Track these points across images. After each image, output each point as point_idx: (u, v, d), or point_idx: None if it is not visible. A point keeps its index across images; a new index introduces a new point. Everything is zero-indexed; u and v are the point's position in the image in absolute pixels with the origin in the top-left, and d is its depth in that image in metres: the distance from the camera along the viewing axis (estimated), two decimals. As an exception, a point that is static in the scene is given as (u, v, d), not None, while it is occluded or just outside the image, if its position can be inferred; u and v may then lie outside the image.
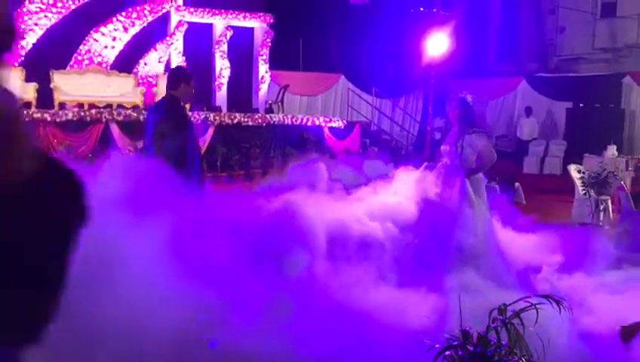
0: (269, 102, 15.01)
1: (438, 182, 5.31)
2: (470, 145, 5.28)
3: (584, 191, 8.06)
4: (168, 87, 4.81)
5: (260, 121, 12.83)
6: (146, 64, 13.91)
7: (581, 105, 15.74)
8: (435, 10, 11.99)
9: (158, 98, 4.98)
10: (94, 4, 13.26)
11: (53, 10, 12.68)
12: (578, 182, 8.45)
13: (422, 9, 12.62)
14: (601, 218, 8.06)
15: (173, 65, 14.16)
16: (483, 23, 19.56)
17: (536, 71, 19.82)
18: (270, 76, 15.78)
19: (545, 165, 15.45)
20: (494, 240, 5.24)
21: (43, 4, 12.52)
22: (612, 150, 12.06)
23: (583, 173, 8.24)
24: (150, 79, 13.63)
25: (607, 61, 20.02)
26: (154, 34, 14.07)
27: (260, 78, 15.62)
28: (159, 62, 14.08)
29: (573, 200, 8.91)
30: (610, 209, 8.34)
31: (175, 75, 4.90)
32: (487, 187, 9.31)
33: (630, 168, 11.16)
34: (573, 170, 8.72)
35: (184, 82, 4.80)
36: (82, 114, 10.83)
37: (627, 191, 8.09)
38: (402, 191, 5.34)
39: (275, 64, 15.87)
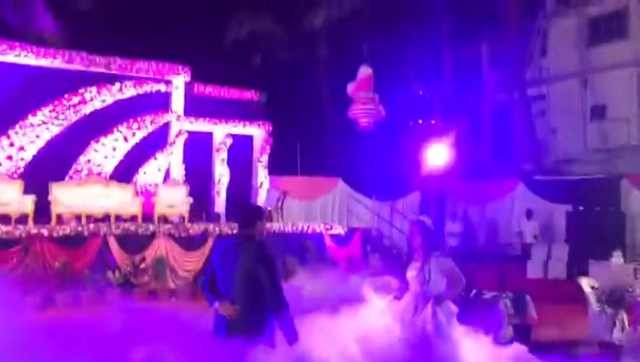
0: (269, 208, 14.92)
1: (409, 312, 5.17)
2: (438, 269, 5.14)
3: (600, 308, 7.79)
4: (242, 225, 4.60)
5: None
6: (145, 173, 13.91)
7: (581, 208, 15.69)
8: (433, 122, 12.24)
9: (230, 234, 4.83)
10: (95, 116, 13.45)
11: (55, 122, 12.82)
12: (592, 297, 8.20)
13: (420, 121, 12.89)
14: (619, 335, 7.74)
15: (173, 174, 14.24)
16: (477, 126, 19.97)
17: (531, 172, 20.02)
18: (269, 182, 15.80)
19: (549, 269, 15.18)
20: None
21: (46, 116, 12.67)
22: (618, 257, 11.83)
23: (596, 288, 8.00)
24: (149, 188, 13.57)
25: (601, 162, 20.28)
26: (154, 143, 14.19)
27: (259, 184, 15.63)
28: (159, 170, 14.10)
29: (588, 315, 8.63)
30: (627, 324, 8.04)
31: (248, 214, 4.68)
32: (497, 302, 9.10)
33: (638, 277, 10.91)
34: (585, 284, 8.49)
35: (259, 220, 4.61)
36: (80, 228, 10.64)
37: (643, 306, 7.85)
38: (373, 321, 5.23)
39: (272, 169, 15.95)
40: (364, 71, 12.96)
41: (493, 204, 18.26)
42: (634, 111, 20.08)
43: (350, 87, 12.91)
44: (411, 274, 5.25)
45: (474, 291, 9.51)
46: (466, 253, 14.61)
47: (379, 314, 5.37)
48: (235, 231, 4.87)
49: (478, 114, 20.15)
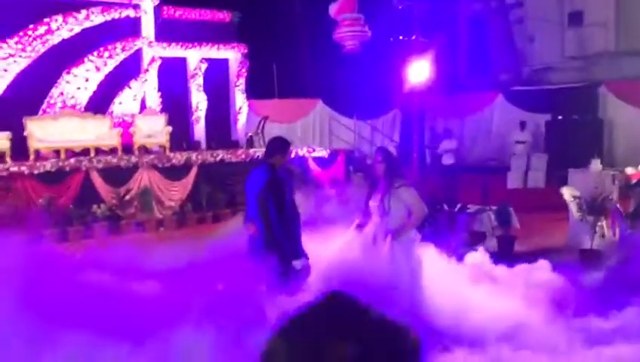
0: (249, 134, 14.81)
1: (368, 241, 5.16)
2: (398, 200, 5.06)
3: (580, 217, 8.01)
4: (265, 154, 5.33)
5: (242, 156, 12.63)
6: (120, 103, 13.60)
7: (559, 117, 15.84)
8: (414, 37, 11.99)
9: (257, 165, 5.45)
10: (64, 45, 12.97)
11: (23, 54, 12.36)
12: (573, 207, 8.41)
13: (401, 37, 12.62)
14: (599, 242, 8.01)
15: (149, 102, 13.95)
16: (455, 39, 19.69)
17: (509, 82, 19.98)
18: (248, 106, 15.59)
19: (528, 179, 15.48)
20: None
21: (12, 48, 12.19)
22: (596, 164, 12.11)
23: (578, 197, 8.19)
24: (126, 119, 13.31)
25: (578, 69, 20.26)
26: (127, 72, 13.79)
27: (237, 109, 15.43)
28: (134, 100, 13.79)
29: (568, 223, 8.88)
30: (606, 230, 8.31)
31: (272, 147, 5.32)
32: (482, 215, 9.32)
33: (616, 183, 11.19)
34: (566, 193, 8.67)
35: (280, 153, 5.24)
36: (61, 164, 10.48)
37: (622, 213, 8.10)
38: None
39: (250, 93, 15.70)
40: None
41: (473, 117, 18.34)
42: (611, 17, 19.90)
43: (332, 9, 12.48)
44: (373, 203, 5.17)
45: (459, 205, 9.74)
46: (461, 169, 14.80)
47: (346, 241, 5.39)
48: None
49: (456, 26, 19.81)
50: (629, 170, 11.26)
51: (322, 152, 14.00)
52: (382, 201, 5.06)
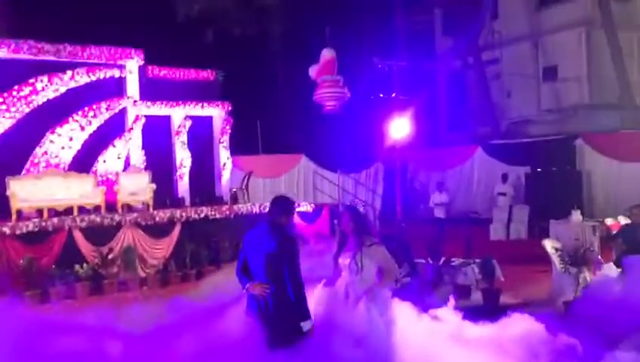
0: (233, 189, 14.86)
1: (339, 298, 5.15)
2: (370, 258, 5.07)
3: (563, 269, 8.09)
4: (273, 213, 5.09)
5: (227, 212, 12.64)
6: (104, 162, 13.63)
7: (538, 169, 16.14)
8: (394, 95, 12.28)
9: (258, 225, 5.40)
10: (49, 105, 13.08)
11: (7, 115, 12.43)
12: (556, 259, 8.50)
13: (381, 95, 12.93)
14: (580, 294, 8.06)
15: (133, 160, 14.00)
16: (434, 95, 20.18)
17: (487, 135, 20.44)
18: (232, 162, 15.70)
19: (511, 231, 15.64)
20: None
21: (-4, 109, 12.27)
22: (577, 215, 12.26)
23: (560, 249, 8.29)
24: (110, 177, 13.32)
25: (555, 122, 20.84)
26: (111, 130, 13.88)
27: (222, 165, 15.51)
28: (118, 158, 13.82)
29: (551, 275, 8.95)
30: (589, 281, 8.38)
31: (278, 207, 5.10)
32: (466, 268, 9.35)
33: (597, 233, 11.34)
34: (548, 246, 8.77)
35: (285, 213, 5.07)
36: (43, 223, 10.41)
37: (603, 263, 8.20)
38: None
39: (234, 149, 15.84)
40: (327, 54, 12.80)
41: (454, 170, 18.63)
42: (584, 71, 20.61)
43: (313, 71, 12.80)
44: (343, 261, 5.17)
45: (443, 259, 9.78)
46: (450, 222, 14.83)
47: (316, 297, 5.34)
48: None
49: (435, 82, 20.34)
50: (609, 221, 11.43)
51: (307, 207, 14.07)
52: (354, 259, 5.09)
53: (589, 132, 16.76)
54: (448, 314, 6.30)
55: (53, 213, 11.57)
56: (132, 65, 14.36)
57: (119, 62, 14.16)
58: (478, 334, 6.08)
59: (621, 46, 18.45)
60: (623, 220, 11.14)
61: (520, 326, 6.22)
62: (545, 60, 21.74)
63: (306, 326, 4.81)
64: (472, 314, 6.90)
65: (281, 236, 4.93)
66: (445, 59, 22.11)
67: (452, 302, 6.50)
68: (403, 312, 5.65)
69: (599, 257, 8.24)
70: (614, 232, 10.22)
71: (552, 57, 21.43)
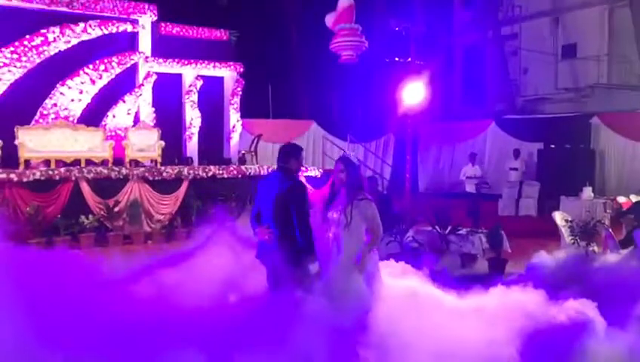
0: (242, 151, 14.77)
1: (326, 253, 5.01)
2: (359, 213, 4.89)
3: (572, 241, 7.96)
4: (280, 159, 5.20)
5: (235, 172, 12.56)
6: (114, 117, 13.55)
7: (552, 146, 15.91)
8: (409, 59, 12.02)
9: (272, 170, 5.53)
10: (60, 57, 12.97)
11: (18, 64, 12.33)
12: (565, 231, 8.37)
13: (397, 59, 12.66)
14: (591, 266, 7.94)
15: (143, 116, 13.91)
16: (450, 67, 19.85)
17: (503, 112, 20.13)
18: (241, 125, 15.56)
19: (520, 207, 15.47)
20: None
21: (7, 58, 12.16)
22: (588, 192, 12.13)
23: (570, 221, 8.16)
24: (119, 132, 13.25)
25: (571, 101, 20.51)
26: (122, 86, 13.77)
27: (231, 127, 15.38)
28: (128, 114, 13.74)
29: (560, 248, 8.82)
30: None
31: (285, 152, 5.22)
32: (473, 237, 9.25)
33: (608, 210, 11.19)
34: (558, 218, 8.65)
35: (294, 157, 5.17)
36: (50, 173, 10.37)
37: (615, 238, 8.06)
38: None
39: (245, 112, 15.70)
40: (345, 1, 12.29)
41: (465, 144, 18.40)
42: (604, 50, 20.20)
43: (329, 19, 12.40)
44: (332, 214, 4.99)
45: (449, 227, 9.67)
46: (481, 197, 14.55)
47: None
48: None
49: (451, 54, 19.99)
50: (621, 199, 11.26)
51: (315, 172, 13.95)
52: (343, 212, 4.91)
53: (605, 112, 16.46)
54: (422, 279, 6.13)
55: (62, 164, 11.54)
56: (145, 21, 14.19)
57: (132, 16, 13.99)
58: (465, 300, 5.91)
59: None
60: (635, 198, 11.00)
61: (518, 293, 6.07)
62: (564, 38, 21.30)
63: (314, 268, 4.86)
64: (474, 281, 6.81)
65: (291, 180, 4.99)
66: (463, 32, 21.70)
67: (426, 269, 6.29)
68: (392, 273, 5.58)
69: (610, 231, 8.10)
70: (625, 209, 10.10)
71: (572, 35, 21.00)
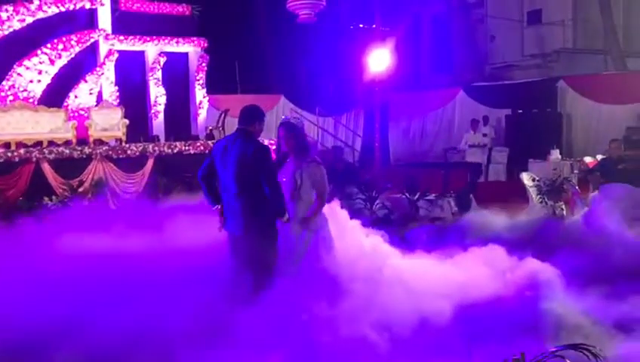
0: (209, 127, 14.55)
1: None
2: (309, 176, 4.90)
3: (540, 200, 8.02)
4: (242, 122, 4.91)
5: (202, 148, 12.37)
6: (76, 97, 13.20)
7: (519, 111, 16.00)
8: (374, 26, 11.88)
9: (232, 131, 5.14)
10: (16, 37, 12.55)
11: (-27, 46, 11.91)
12: (532, 190, 8.43)
13: (361, 25, 12.51)
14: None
15: (105, 95, 13.58)
16: (417, 36, 19.76)
17: (471, 80, 20.17)
18: (208, 101, 15.32)
19: (489, 172, 15.57)
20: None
21: (-39, 39, 11.75)
22: (556, 154, 12.24)
23: (537, 180, 8.20)
24: (82, 112, 12.93)
25: (538, 67, 20.64)
26: (83, 65, 13.41)
27: (198, 104, 15.13)
28: (90, 93, 13.39)
29: (527, 208, 8.89)
30: (565, 213, 8.35)
31: (250, 113, 4.96)
32: (442, 201, 9.29)
33: (575, 171, 11.30)
34: (525, 178, 8.69)
35: (257, 120, 4.90)
36: (9, 155, 10.08)
37: (581, 196, 8.14)
38: None
39: (211, 88, 15.45)
40: None
41: (435, 112, 18.42)
42: (569, 15, 20.31)
43: (287, -22, 12.17)
44: (282, 178, 4.95)
45: (418, 193, 9.70)
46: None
47: None
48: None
49: (418, 22, 19.88)
50: (588, 159, 11.38)
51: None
52: (293, 175, 4.90)
53: (572, 75, 16.59)
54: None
55: (23, 147, 11.23)
56: (103, -4, 13.78)
57: (90, -8, 13.58)
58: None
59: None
60: (601, 158, 11.12)
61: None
62: (529, 4, 21.38)
63: (285, 218, 4.78)
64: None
65: (255, 143, 4.77)
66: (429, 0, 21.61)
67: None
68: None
69: (577, 188, 8.17)
70: (591, 167, 10.20)
71: (537, 1, 21.07)
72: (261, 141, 5.00)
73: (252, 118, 4.89)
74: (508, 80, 19.81)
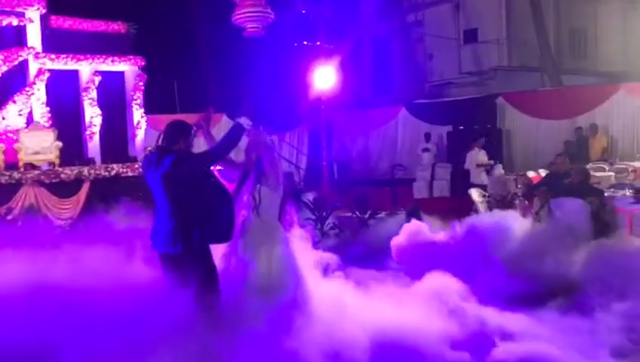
0: (148, 148, 13.97)
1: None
2: (268, 194, 4.72)
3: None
4: (166, 141, 4.47)
5: (140, 170, 11.83)
6: (3, 118, 12.42)
7: (460, 127, 16.22)
8: (318, 43, 11.75)
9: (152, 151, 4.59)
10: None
11: None
12: (482, 206, 8.40)
13: (305, 42, 12.37)
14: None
15: (36, 117, 12.84)
16: (359, 55, 19.85)
17: (412, 98, 20.40)
18: (146, 121, 14.77)
19: (434, 188, 15.67)
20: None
21: None
22: (499, 169, 12.37)
23: (488, 196, 8.18)
24: (10, 135, 12.17)
25: (475, 84, 21.09)
26: (11, 85, 12.63)
27: (135, 124, 14.53)
28: (19, 115, 12.62)
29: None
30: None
31: (174, 130, 4.55)
32: (393, 218, 9.14)
33: (519, 185, 11.43)
34: (475, 194, 8.68)
35: (182, 138, 4.50)
36: None
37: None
38: None
39: (149, 108, 14.92)
40: None
41: (378, 131, 18.49)
42: (503, 34, 20.88)
43: (232, -11, 11.83)
44: (243, 197, 4.77)
45: (369, 211, 9.54)
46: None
47: None
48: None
49: (360, 41, 19.99)
50: (531, 173, 11.55)
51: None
52: (251, 193, 4.70)
53: (509, 92, 16.99)
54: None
55: (-57, 171, 10.46)
56: (33, 14, 13.06)
57: (17, 9, 12.85)
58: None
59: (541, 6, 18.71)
60: (544, 172, 11.30)
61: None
62: (466, 23, 21.89)
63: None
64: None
65: (172, 154, 4.33)
66: (370, 20, 21.80)
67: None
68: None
69: (526, 202, 8.19)
70: (537, 182, 10.32)
71: (473, 20, 21.61)
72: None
73: (176, 135, 4.50)
74: (446, 97, 20.14)
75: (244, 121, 4.59)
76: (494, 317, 5.03)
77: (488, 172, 12.83)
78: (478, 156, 12.65)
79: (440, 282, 5.56)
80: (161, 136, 4.54)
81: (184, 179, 4.28)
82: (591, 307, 5.03)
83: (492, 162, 12.59)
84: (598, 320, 4.79)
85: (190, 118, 15.58)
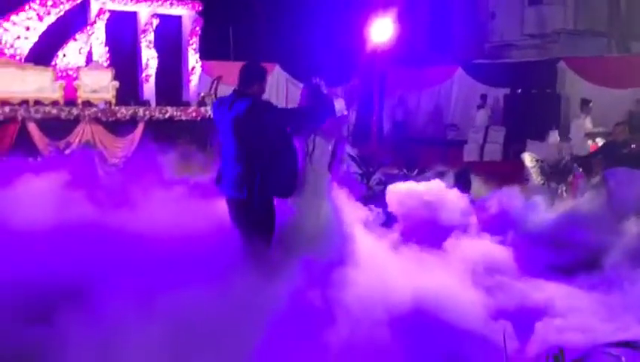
0: (202, 94, 14.16)
1: None
2: (322, 142, 4.62)
3: (542, 181, 7.81)
4: (240, 83, 4.37)
5: (193, 114, 12.02)
6: (65, 56, 12.73)
7: (518, 91, 15.78)
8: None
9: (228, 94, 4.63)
10: (3, -10, 12.05)
11: (-44, -2, 11.39)
12: (534, 171, 8.22)
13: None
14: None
15: (95, 56, 13.12)
16: (417, 8, 19.34)
17: (469, 58, 19.86)
18: (201, 67, 14.89)
19: (485, 152, 15.38)
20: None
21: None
22: (555, 136, 12.03)
23: (541, 161, 7.99)
24: (70, 72, 12.49)
25: (537, 47, 20.36)
26: (73, 23, 12.92)
27: (190, 69, 14.70)
28: (80, 53, 12.92)
29: (527, 189, 8.70)
30: (567, 195, 8.16)
31: (249, 73, 4.42)
32: (442, 178, 9.05)
33: (574, 153, 11.10)
34: (528, 158, 8.48)
35: (257, 81, 4.40)
36: (-6, 113, 9.69)
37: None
38: None
39: (203, 54, 15.00)
40: None
41: (431, 89, 18.15)
42: (571, -6, 19.98)
43: None
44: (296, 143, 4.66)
45: (416, 170, 9.45)
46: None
47: None
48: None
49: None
50: (588, 142, 11.18)
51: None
52: (305, 140, 4.62)
53: (571, 56, 16.35)
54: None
55: (7, 105, 10.83)
56: (94, -48, 13.23)
57: (81, -52, 13.03)
58: None
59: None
60: (601, 141, 10.92)
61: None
62: (532, -18, 21.01)
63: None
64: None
65: (249, 98, 4.26)
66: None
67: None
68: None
69: (580, 170, 7.96)
70: (594, 151, 10.01)
71: (540, -20, 20.71)
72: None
73: (251, 78, 4.38)
74: (505, 59, 19.53)
75: (340, 106, 4.42)
76: (535, 288, 4.95)
77: (543, 138, 12.51)
78: (585, 123, 11.24)
79: (480, 250, 5.52)
80: (238, 80, 4.43)
81: (257, 127, 4.19)
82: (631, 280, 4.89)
83: (603, 130, 10.95)
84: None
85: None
